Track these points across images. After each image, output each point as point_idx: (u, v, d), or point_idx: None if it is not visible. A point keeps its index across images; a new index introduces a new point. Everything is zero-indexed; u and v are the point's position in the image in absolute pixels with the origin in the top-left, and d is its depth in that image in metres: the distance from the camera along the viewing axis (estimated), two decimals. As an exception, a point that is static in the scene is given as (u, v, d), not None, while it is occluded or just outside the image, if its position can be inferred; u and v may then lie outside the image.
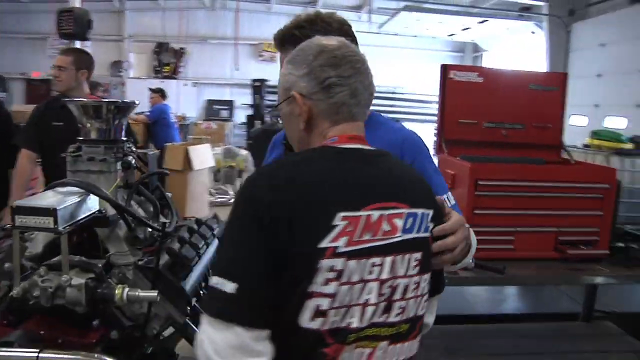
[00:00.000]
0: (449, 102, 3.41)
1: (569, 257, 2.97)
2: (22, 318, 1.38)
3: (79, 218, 1.37)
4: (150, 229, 1.57)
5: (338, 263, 0.95)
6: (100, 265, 1.39)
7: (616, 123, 9.66)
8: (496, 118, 3.47)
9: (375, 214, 1.00)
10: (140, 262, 1.45)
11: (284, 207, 0.95)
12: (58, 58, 3.38)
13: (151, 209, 1.74)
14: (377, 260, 0.99)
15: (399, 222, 1.03)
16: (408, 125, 1.75)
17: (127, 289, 1.31)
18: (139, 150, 1.79)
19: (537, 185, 2.98)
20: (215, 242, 1.74)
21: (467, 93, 3.40)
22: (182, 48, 14.89)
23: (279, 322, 0.94)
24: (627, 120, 9.68)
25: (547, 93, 3.47)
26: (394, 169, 1.13)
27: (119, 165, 1.63)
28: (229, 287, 0.91)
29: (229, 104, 15.25)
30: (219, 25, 15.21)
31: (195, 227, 1.73)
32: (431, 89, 16.62)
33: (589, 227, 3.05)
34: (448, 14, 12.05)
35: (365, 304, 0.99)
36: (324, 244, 0.94)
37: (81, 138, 1.64)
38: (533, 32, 12.63)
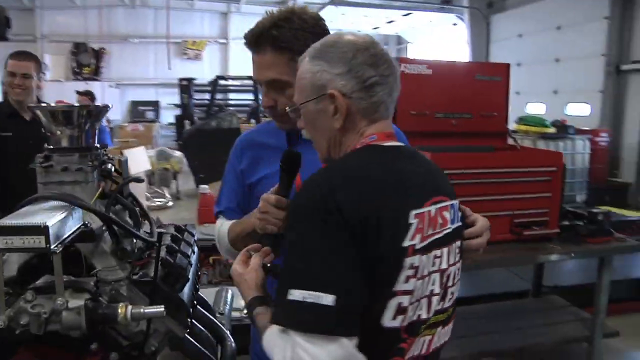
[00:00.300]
0: (401, 94, 3.44)
1: (523, 238, 3.11)
2: (7, 352, 1.25)
3: (68, 234, 1.25)
4: (137, 240, 1.47)
5: (416, 260, 0.98)
6: (92, 283, 1.29)
7: (536, 109, 10.25)
8: (446, 108, 3.56)
9: (433, 209, 1.04)
10: (134, 276, 1.35)
11: (370, 209, 0.94)
12: (18, 64, 3.05)
13: (128, 218, 1.63)
14: (438, 252, 1.04)
15: (447, 215, 1.08)
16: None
17: (130, 307, 1.22)
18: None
19: (490, 171, 3.11)
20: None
21: (418, 85, 3.47)
22: (102, 48, 14.24)
23: (363, 324, 0.92)
24: (545, 106, 10.30)
25: (492, 83, 3.61)
26: (430, 164, 1.17)
27: (96, 174, 1.51)
28: (327, 299, 0.87)
29: (155, 105, 14.76)
30: (139, 24, 14.67)
31: (178, 234, 1.64)
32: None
33: (540, 208, 3.22)
34: (373, 7, 12.27)
35: (431, 295, 1.03)
36: (406, 242, 0.96)
37: (51, 147, 1.50)
38: (455, 24, 13.14)
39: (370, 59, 1.06)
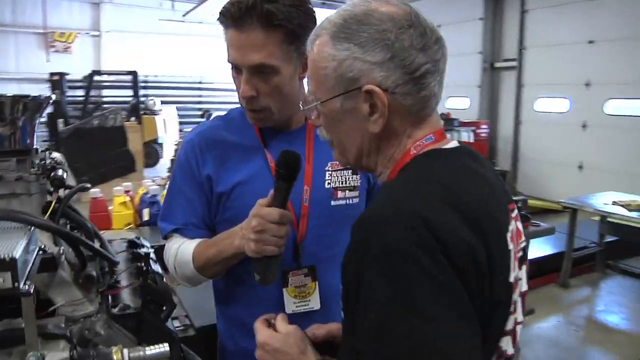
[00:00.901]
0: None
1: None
2: None
3: (30, 265, 0.95)
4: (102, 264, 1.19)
5: (516, 295, 0.82)
6: (62, 325, 0.99)
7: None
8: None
9: (513, 223, 0.86)
10: (114, 310, 1.08)
11: (478, 239, 0.71)
12: None
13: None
14: (520, 273, 0.86)
15: (519, 224, 0.90)
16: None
17: (126, 351, 0.95)
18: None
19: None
20: None
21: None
22: (-51, 39, 12.47)
23: None
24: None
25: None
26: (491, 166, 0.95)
27: (38, 185, 1.20)
28: None
29: (20, 102, 13.27)
30: (-6, 11, 13.06)
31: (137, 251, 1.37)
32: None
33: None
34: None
35: (516, 324, 0.84)
36: (511, 276, 0.78)
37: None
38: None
39: (420, 39, 0.79)
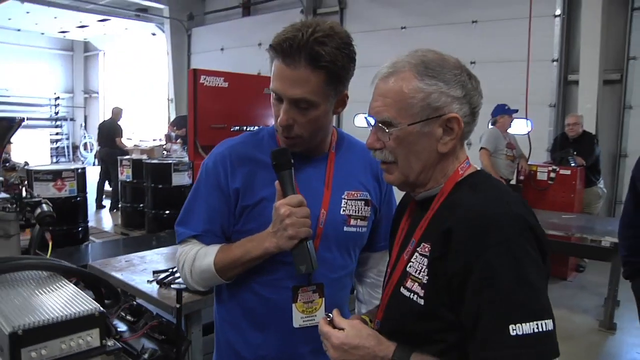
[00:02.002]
0: (201, 107, 3.32)
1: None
2: None
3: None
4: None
5: None
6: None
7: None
8: (241, 122, 3.58)
9: None
10: (144, 355, 1.00)
11: (540, 227, 0.94)
12: None
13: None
14: None
15: None
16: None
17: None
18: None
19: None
20: None
21: (216, 98, 3.39)
22: None
23: None
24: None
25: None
26: None
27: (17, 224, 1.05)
28: (550, 325, 0.85)
29: None
30: None
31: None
32: (41, 90, 15.08)
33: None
34: (66, 9, 11.04)
35: None
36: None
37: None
38: (154, 34, 12.85)
39: (477, 85, 1.03)
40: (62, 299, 0.77)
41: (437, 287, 0.92)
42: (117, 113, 8.78)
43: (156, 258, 2.75)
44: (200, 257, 1.30)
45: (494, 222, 0.89)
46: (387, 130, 1.02)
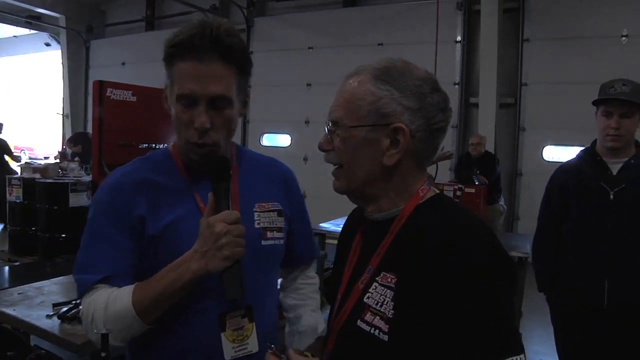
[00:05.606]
0: (107, 122, 3.09)
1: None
2: None
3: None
4: None
5: None
6: None
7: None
8: (149, 139, 3.37)
9: None
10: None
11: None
12: None
13: None
14: None
15: None
16: None
17: None
18: None
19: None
20: None
21: (124, 113, 3.18)
22: None
23: None
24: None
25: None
26: None
27: None
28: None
29: None
30: None
31: None
32: None
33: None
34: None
35: None
36: None
37: None
38: (48, 44, 12.03)
39: (442, 102, 0.95)
40: None
41: (405, 322, 0.84)
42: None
43: (55, 289, 2.46)
44: (113, 302, 1.08)
45: (465, 253, 0.84)
46: (334, 131, 0.96)
